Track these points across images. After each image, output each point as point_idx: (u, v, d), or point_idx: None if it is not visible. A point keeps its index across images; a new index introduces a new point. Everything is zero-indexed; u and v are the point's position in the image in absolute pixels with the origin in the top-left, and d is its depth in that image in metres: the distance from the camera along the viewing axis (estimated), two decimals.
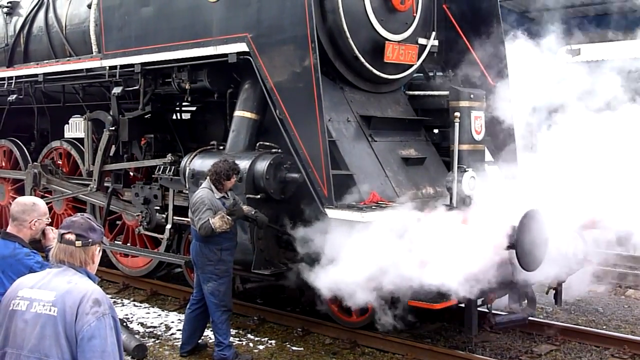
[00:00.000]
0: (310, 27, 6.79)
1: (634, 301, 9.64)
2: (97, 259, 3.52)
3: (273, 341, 7.38)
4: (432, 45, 8.56)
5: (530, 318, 7.24)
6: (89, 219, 3.59)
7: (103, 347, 3.13)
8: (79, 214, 3.78)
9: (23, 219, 4.52)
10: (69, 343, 3.17)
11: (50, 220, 4.82)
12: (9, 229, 4.59)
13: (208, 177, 6.83)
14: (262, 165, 7.23)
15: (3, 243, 4.49)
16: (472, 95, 8.28)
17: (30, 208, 4.58)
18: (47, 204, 11.00)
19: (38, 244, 4.67)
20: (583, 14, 16.20)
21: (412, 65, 8.36)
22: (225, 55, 7.62)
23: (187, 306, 7.28)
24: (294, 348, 7.46)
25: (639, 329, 8.22)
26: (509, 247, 6.29)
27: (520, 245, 6.15)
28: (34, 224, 4.53)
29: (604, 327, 8.23)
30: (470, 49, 8.97)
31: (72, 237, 3.39)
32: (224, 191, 6.86)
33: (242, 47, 7.41)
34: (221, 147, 8.17)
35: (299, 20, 6.87)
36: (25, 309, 3.29)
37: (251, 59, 7.33)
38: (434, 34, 8.56)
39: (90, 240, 3.44)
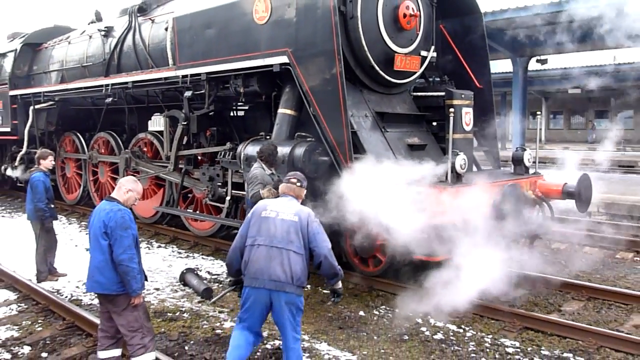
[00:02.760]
0: (337, 43, 6.78)
1: (589, 256, 9.54)
2: (302, 197, 4.92)
3: (308, 286, 7.43)
4: (431, 56, 8.52)
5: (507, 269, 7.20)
6: (301, 175, 5.01)
7: (323, 236, 4.54)
8: (292, 172, 5.16)
9: (122, 186, 4.79)
10: (303, 236, 4.46)
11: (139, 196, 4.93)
12: (112, 194, 4.80)
13: (258, 159, 6.90)
14: (300, 151, 7.25)
15: (108, 202, 4.70)
16: (462, 95, 8.26)
17: (129, 182, 4.86)
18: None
19: None
20: (549, 31, 15.94)
21: (415, 72, 8.32)
22: (271, 65, 7.62)
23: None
24: (324, 291, 7.49)
25: (594, 277, 8.15)
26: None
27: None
28: (126, 192, 4.76)
29: (565, 276, 8.14)
30: (461, 59, 8.94)
31: (294, 180, 4.86)
32: (273, 167, 6.92)
33: (283, 59, 7.40)
34: (268, 137, 8.19)
35: (328, 38, 6.85)
36: (275, 216, 4.52)
37: (291, 69, 7.33)
38: (432, 47, 8.52)
39: (303, 184, 4.90)
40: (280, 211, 4.53)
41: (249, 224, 4.62)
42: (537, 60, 17.18)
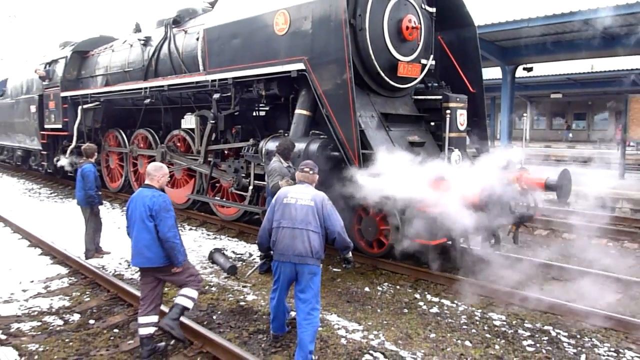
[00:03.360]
0: (348, 52, 6.76)
1: (567, 241, 9.49)
2: (315, 182, 5.04)
3: (321, 264, 7.42)
4: (430, 64, 8.48)
5: (496, 252, 7.19)
6: (312, 163, 5.12)
7: (335, 216, 4.74)
8: (304, 162, 5.18)
9: (154, 175, 4.94)
10: (319, 217, 4.66)
11: (169, 179, 5.03)
12: (146, 182, 4.95)
13: (277, 153, 6.90)
14: (314, 147, 7.24)
15: (146, 188, 4.87)
16: (458, 99, 8.24)
17: (159, 169, 5.01)
18: (170, 172, 11.37)
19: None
20: (534, 42, 15.82)
21: (416, 78, 8.28)
22: (289, 71, 7.61)
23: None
24: (334, 269, 7.52)
25: (571, 260, 8.10)
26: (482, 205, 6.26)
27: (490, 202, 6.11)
28: (159, 179, 4.95)
29: (546, 258, 8.10)
30: (456, 66, 8.88)
31: (307, 169, 4.97)
32: (289, 161, 6.92)
33: (300, 66, 7.39)
34: (286, 134, 8.20)
35: (340, 47, 6.83)
36: (295, 202, 4.71)
37: (307, 74, 7.32)
38: (431, 56, 8.48)
39: (314, 170, 5.02)
40: (299, 197, 4.73)
41: (274, 210, 4.80)
42: (524, 68, 17.03)
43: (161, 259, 4.77)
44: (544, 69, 25.77)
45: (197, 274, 5.18)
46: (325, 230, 4.70)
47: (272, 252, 4.84)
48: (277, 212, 4.74)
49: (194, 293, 5.04)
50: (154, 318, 4.90)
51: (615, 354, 4.93)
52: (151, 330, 4.85)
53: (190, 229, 10.26)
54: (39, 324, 5.60)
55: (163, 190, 4.98)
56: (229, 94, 9.10)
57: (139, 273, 5.43)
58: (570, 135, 39.35)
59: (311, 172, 4.98)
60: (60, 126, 14.80)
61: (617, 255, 8.56)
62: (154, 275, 4.90)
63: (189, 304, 5.02)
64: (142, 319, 4.86)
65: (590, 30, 13.98)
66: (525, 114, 8.74)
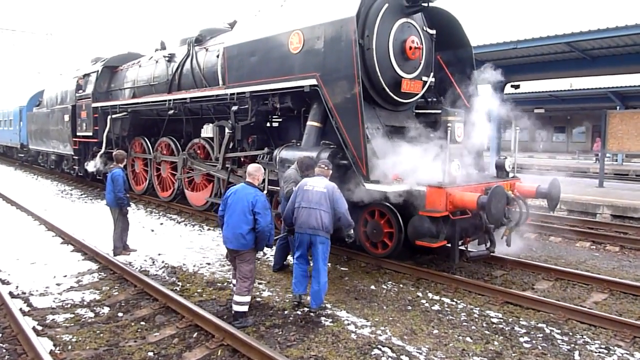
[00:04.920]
0: (357, 69, 6.65)
1: (554, 244, 9.36)
2: (329, 175, 5.82)
3: (329, 264, 7.32)
4: (430, 81, 8.34)
5: (491, 254, 7.05)
6: (327, 161, 6.04)
7: (342, 201, 5.56)
8: (321, 160, 6.15)
9: (255, 175, 5.41)
10: (329, 200, 5.48)
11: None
12: (248, 180, 5.38)
13: (297, 163, 6.76)
14: (325, 155, 7.11)
15: (249, 186, 5.31)
16: (456, 113, 8.07)
17: (259, 169, 5.49)
18: (190, 176, 11.19)
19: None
20: (520, 62, 15.71)
21: (418, 94, 8.15)
22: (302, 86, 7.51)
23: (277, 240, 7.23)
24: (342, 268, 7.39)
25: (559, 262, 7.96)
26: (480, 209, 6.13)
27: (488, 207, 5.98)
28: (259, 178, 5.46)
29: (537, 260, 7.99)
30: (454, 83, 8.75)
31: (323, 166, 5.88)
32: (304, 173, 6.79)
33: (313, 81, 7.29)
34: (298, 144, 8.10)
35: (350, 65, 6.72)
36: (312, 189, 5.55)
37: (318, 89, 7.22)
38: (431, 74, 8.34)
39: (329, 166, 5.92)
40: (315, 185, 5.60)
41: (296, 195, 5.68)
42: (512, 86, 16.89)
43: (249, 244, 5.19)
44: (528, 87, 25.67)
45: (253, 279, 5.45)
46: (334, 211, 5.49)
47: (294, 226, 5.71)
48: (298, 196, 5.61)
49: (245, 298, 5.28)
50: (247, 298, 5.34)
51: (605, 351, 4.79)
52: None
53: (209, 229, 10.13)
54: (72, 315, 5.48)
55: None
56: (246, 106, 8.97)
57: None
58: (541, 146, 39.31)
59: (326, 168, 5.89)
60: (90, 134, 14.72)
61: (601, 257, 8.42)
62: (234, 257, 5.35)
63: (242, 308, 5.27)
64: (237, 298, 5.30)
65: (574, 52, 13.87)
66: (518, 127, 8.54)
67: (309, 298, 5.73)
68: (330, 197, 5.48)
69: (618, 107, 25.04)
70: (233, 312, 5.29)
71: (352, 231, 5.74)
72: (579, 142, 39.90)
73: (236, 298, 5.27)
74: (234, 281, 5.49)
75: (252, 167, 5.47)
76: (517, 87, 17.61)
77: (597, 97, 26.79)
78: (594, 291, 6.58)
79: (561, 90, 28.17)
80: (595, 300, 6.26)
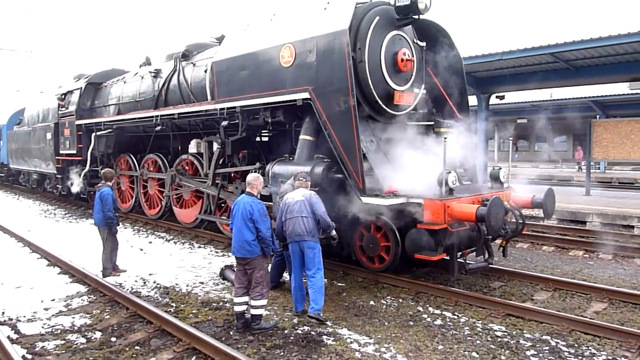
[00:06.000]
0: (350, 82, 6.59)
1: (548, 253, 9.35)
2: (309, 187, 6.09)
3: (326, 279, 7.18)
4: (422, 93, 8.32)
5: (490, 265, 7.00)
6: (305, 174, 6.30)
7: (320, 205, 5.78)
8: (299, 173, 6.30)
9: (254, 184, 5.68)
10: (309, 206, 5.73)
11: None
12: (247, 190, 5.68)
13: (293, 178, 6.65)
14: (319, 169, 7.02)
15: (248, 196, 5.60)
16: (448, 124, 8.09)
17: (257, 178, 5.76)
18: (178, 193, 11.00)
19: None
20: (505, 73, 15.91)
21: (410, 106, 8.10)
22: (294, 100, 7.42)
23: (272, 258, 7.09)
24: (339, 284, 7.26)
25: (555, 271, 7.94)
26: (479, 220, 6.08)
27: (487, 219, 5.93)
28: (258, 187, 5.74)
29: (532, 270, 7.95)
30: (444, 95, 8.76)
31: (302, 178, 6.11)
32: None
33: (305, 95, 7.20)
34: (291, 158, 8.00)
35: (343, 77, 6.66)
36: (292, 201, 5.83)
37: (311, 103, 7.13)
38: (423, 85, 8.32)
39: (307, 179, 6.19)
40: (295, 197, 5.88)
41: (282, 210, 5.93)
42: (497, 97, 17.08)
43: (256, 251, 5.41)
44: (511, 97, 26.00)
45: (268, 283, 5.64)
46: (314, 215, 5.73)
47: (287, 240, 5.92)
48: (283, 211, 5.89)
49: (260, 302, 5.45)
50: (246, 298, 5.53)
51: None
52: (244, 307, 5.49)
53: (200, 247, 9.93)
54: (63, 342, 5.25)
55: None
56: (236, 121, 8.85)
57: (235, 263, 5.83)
58: (517, 155, 39.80)
59: (305, 180, 6.16)
60: (74, 152, 14.43)
61: (595, 266, 8.43)
62: (244, 266, 5.52)
63: (260, 312, 5.48)
64: (237, 299, 5.53)
65: (558, 62, 14.06)
66: (511, 137, 8.55)
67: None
68: (308, 202, 5.76)
69: (598, 116, 25.48)
70: (244, 319, 5.48)
71: (333, 232, 6.03)
72: (561, 150, 40.49)
73: (252, 302, 5.48)
74: (237, 289, 5.64)
75: (251, 177, 5.75)
76: (502, 97, 17.84)
77: (579, 106, 27.21)
78: (593, 300, 6.55)
79: (543, 101, 28.58)
80: (595, 309, 6.22)
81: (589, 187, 15.85)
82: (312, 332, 5.38)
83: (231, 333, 5.43)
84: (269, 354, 4.89)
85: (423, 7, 7.39)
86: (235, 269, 7.60)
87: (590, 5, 70.53)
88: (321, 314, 5.68)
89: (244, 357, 4.55)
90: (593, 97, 25.59)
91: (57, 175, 16.01)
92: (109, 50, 72.31)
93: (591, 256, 9.12)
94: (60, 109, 15.28)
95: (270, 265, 6.98)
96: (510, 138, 8.30)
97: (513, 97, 27.00)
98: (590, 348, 5.03)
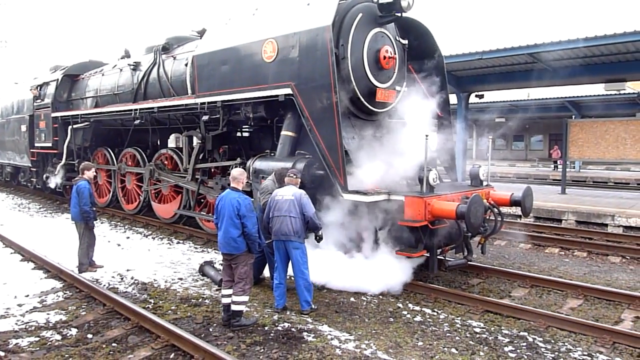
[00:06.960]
0: (333, 78, 6.56)
1: (525, 251, 9.49)
2: (298, 184, 6.02)
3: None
4: (403, 90, 8.32)
5: (469, 262, 7.06)
6: (298, 171, 6.30)
7: (309, 206, 5.74)
8: (292, 169, 6.37)
9: (239, 179, 5.57)
10: (298, 206, 5.69)
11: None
12: (232, 185, 5.54)
13: (274, 174, 6.63)
14: (301, 165, 6.99)
15: (233, 190, 5.48)
16: (429, 122, 8.11)
17: (242, 173, 5.64)
18: (157, 188, 10.83)
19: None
20: (485, 72, 16.06)
21: (392, 103, 8.12)
22: (277, 96, 7.38)
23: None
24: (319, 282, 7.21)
25: (532, 268, 8.05)
26: (459, 218, 6.12)
27: (467, 216, 5.97)
28: (243, 181, 5.63)
29: (510, 267, 8.06)
30: (425, 92, 8.78)
31: (292, 175, 6.04)
32: (281, 184, 6.64)
33: (288, 91, 7.17)
34: (272, 154, 7.95)
35: (326, 74, 6.63)
36: (281, 198, 5.78)
37: (294, 98, 7.09)
38: (404, 83, 8.34)
39: (297, 176, 6.10)
40: (284, 195, 5.83)
41: (269, 206, 5.86)
42: (476, 95, 17.24)
43: (242, 247, 5.37)
44: (489, 97, 26.28)
45: (251, 279, 5.61)
46: (303, 216, 5.70)
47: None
48: (271, 207, 5.83)
49: (242, 298, 5.41)
50: (231, 291, 5.48)
51: (589, 358, 4.81)
52: (229, 300, 5.44)
53: (178, 243, 9.81)
54: (37, 339, 5.12)
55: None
56: (217, 115, 8.75)
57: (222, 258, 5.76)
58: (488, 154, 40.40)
59: (295, 177, 6.08)
60: (50, 145, 14.13)
61: (571, 263, 8.58)
62: (229, 261, 5.50)
63: (241, 308, 5.45)
64: (224, 291, 5.55)
65: (536, 62, 14.25)
66: (491, 136, 8.60)
67: (288, 312, 5.58)
68: (298, 203, 5.71)
69: (574, 116, 25.96)
70: (231, 312, 5.42)
71: (320, 232, 6.02)
72: (537, 149, 41.16)
73: (234, 298, 5.40)
74: (225, 282, 5.64)
75: (236, 172, 5.65)
76: (481, 96, 18.00)
77: (554, 106, 27.68)
78: (569, 297, 6.66)
79: (520, 100, 29.00)
80: (571, 306, 6.32)
81: (564, 186, 16.14)
82: (293, 329, 5.35)
83: (211, 330, 5.37)
84: (249, 350, 4.84)
85: (406, 5, 7.41)
86: (222, 264, 7.59)
87: (570, 6, 71.76)
88: (312, 305, 5.92)
89: (224, 353, 4.49)
90: (569, 97, 26.05)
91: (32, 169, 15.68)
92: (86, 41, 70.92)
93: (567, 254, 9.28)
94: (35, 100, 14.94)
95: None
96: (490, 137, 8.34)
97: (491, 96, 27.31)
98: (566, 344, 5.11)
